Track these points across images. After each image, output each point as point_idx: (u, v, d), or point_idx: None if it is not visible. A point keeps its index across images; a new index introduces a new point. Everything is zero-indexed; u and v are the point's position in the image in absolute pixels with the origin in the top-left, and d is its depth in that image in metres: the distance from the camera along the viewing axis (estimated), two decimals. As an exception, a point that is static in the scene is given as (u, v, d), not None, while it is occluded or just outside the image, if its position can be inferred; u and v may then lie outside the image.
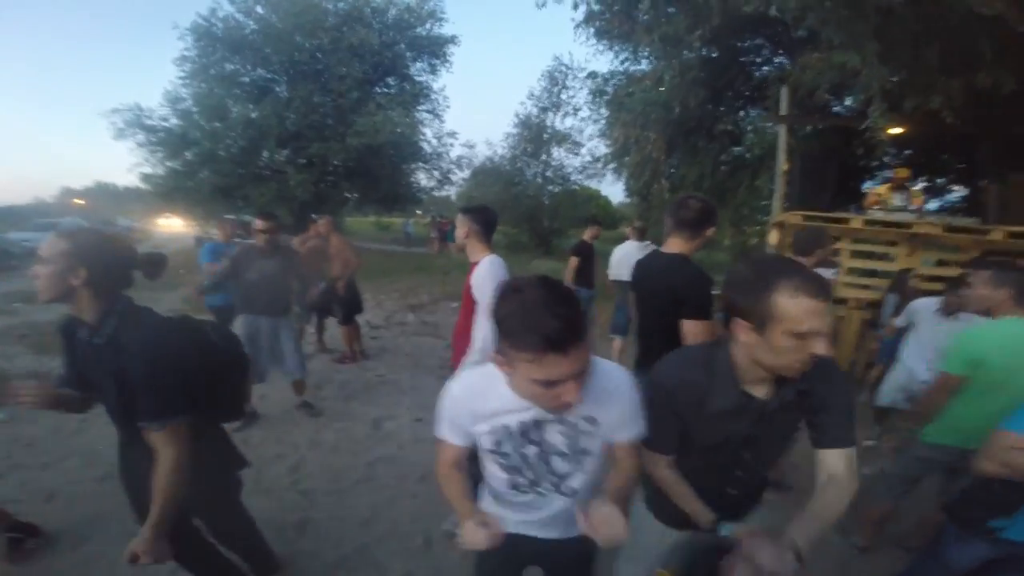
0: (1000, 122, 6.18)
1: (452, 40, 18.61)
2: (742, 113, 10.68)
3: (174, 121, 15.75)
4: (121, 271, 1.42)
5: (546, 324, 0.88)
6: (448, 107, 19.34)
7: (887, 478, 2.49)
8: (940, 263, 5.52)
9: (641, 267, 2.23)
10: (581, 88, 17.90)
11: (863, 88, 5.01)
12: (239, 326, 3.60)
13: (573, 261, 5.43)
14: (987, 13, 3.97)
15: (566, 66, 18.87)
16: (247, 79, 16.31)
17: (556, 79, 19.20)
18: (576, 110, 19.17)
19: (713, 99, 9.23)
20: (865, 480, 2.29)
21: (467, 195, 24.20)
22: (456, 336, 2.49)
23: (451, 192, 23.89)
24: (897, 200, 6.02)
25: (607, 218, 24.73)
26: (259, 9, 16.01)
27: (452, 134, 19.23)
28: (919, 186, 7.81)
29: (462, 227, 2.43)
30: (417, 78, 18.74)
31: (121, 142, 15.54)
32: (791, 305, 0.99)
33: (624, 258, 5.40)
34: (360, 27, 15.93)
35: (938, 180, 10.90)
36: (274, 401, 4.20)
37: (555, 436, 1.16)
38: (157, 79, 20.29)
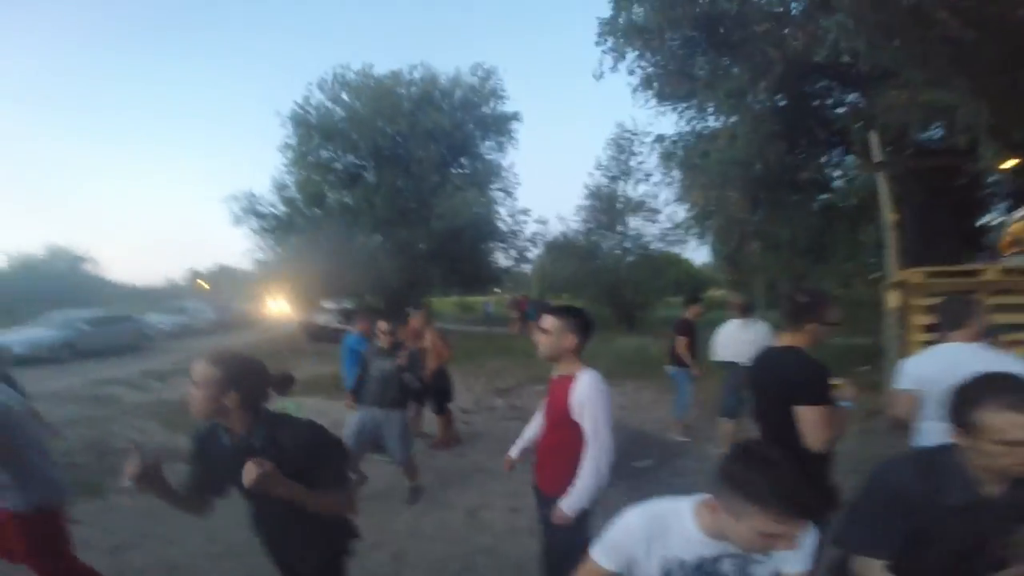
0: None
1: (515, 116, 18.73)
2: (824, 159, 10.04)
3: (281, 208, 16.96)
4: (262, 389, 1.61)
5: (807, 502, 1.02)
6: (519, 184, 19.42)
7: None
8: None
9: (756, 362, 2.21)
10: (651, 153, 17.51)
11: (964, 128, 4.57)
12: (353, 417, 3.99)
13: (682, 341, 5.21)
14: None
15: (631, 132, 18.39)
16: (340, 165, 17.19)
17: (622, 146, 18.84)
18: (647, 176, 18.57)
19: (791, 149, 8.79)
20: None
21: (542, 271, 24.17)
22: (543, 454, 2.27)
23: (527, 268, 23.78)
24: None
25: (691, 282, 23.63)
26: (344, 96, 16.89)
27: (525, 211, 19.23)
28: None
29: (558, 335, 2.08)
30: (487, 156, 18.93)
31: (238, 227, 16.94)
32: (997, 420, 1.08)
33: (728, 337, 5.01)
34: (432, 110, 16.37)
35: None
36: (374, 488, 4.21)
37: (727, 566, 1.19)
38: (268, 167, 22.25)
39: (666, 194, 17.31)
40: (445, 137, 16.89)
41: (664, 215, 18.84)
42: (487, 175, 18.41)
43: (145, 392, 8.62)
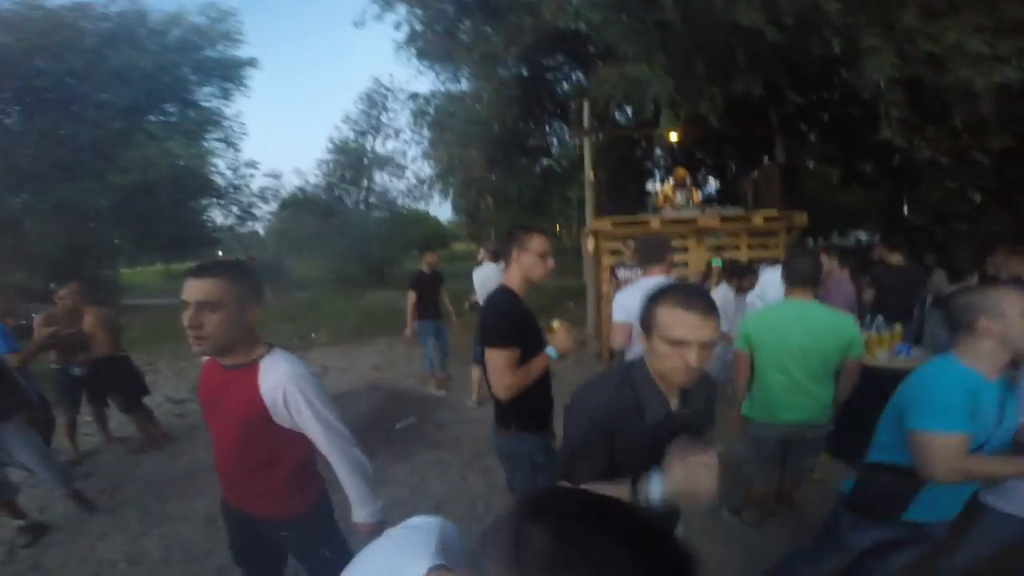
0: (747, 123, 7.64)
1: (250, 63, 16.59)
2: (547, 127, 11.50)
3: None
4: None
5: None
6: (245, 135, 17.13)
7: (747, 463, 2.63)
8: (718, 249, 6.60)
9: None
10: (403, 110, 17.61)
11: (652, 98, 5.72)
12: None
13: (411, 296, 5.20)
14: (744, 23, 4.79)
15: (386, 88, 18.28)
16: None
17: (375, 101, 18.57)
18: (397, 132, 18.69)
19: (525, 115, 9.81)
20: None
21: (276, 231, 22.01)
22: (241, 472, 1.54)
23: (258, 228, 21.37)
24: (680, 197, 7.09)
25: (438, 237, 24.52)
26: None
27: (252, 164, 17.17)
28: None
29: (238, 307, 1.39)
30: (204, 104, 16.37)
31: None
32: (666, 317, 1.14)
33: (485, 281, 5.14)
34: (128, 48, 13.51)
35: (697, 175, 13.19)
36: (60, 511, 3.29)
37: None
38: None
39: (414, 151, 18.07)
40: (144, 80, 13.88)
41: (411, 172, 19.17)
42: (202, 123, 15.75)
43: None
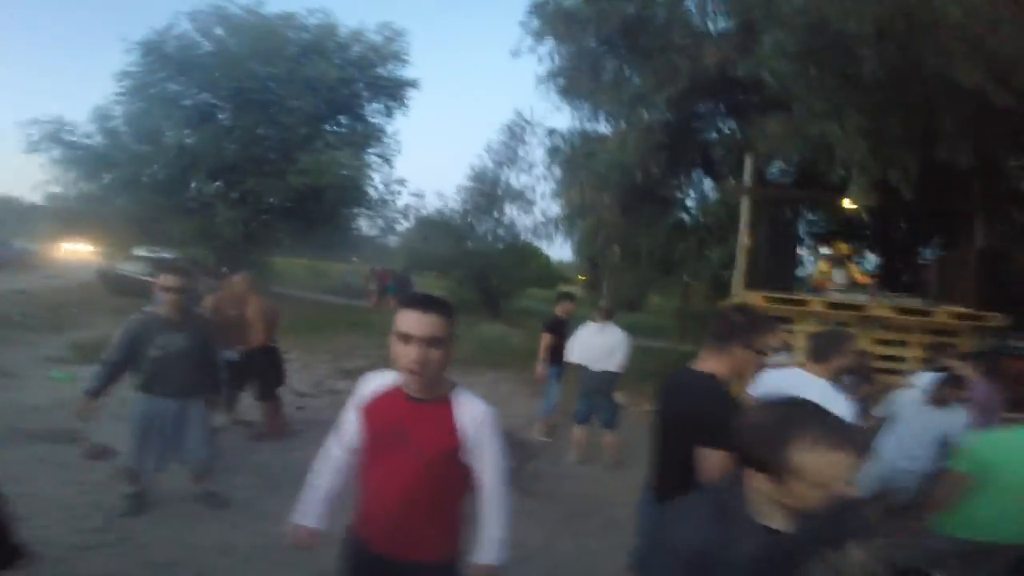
0: (943, 195, 6.52)
1: (413, 84, 17.92)
2: (684, 178, 10.67)
3: (98, 139, 14.41)
4: None
5: None
6: (399, 152, 18.48)
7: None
8: (881, 343, 5.57)
9: (668, 381, 1.99)
10: (539, 145, 17.83)
11: (840, 161, 5.06)
12: (134, 408, 3.07)
13: (546, 338, 5.08)
14: (966, 85, 4.07)
15: (526, 121, 18.11)
16: (189, 103, 15.16)
17: (515, 133, 18.66)
18: (531, 167, 18.62)
19: (670, 164, 9.21)
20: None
21: (409, 248, 23.47)
22: (403, 510, 1.43)
23: (392, 241, 22.96)
24: (837, 276, 6.17)
25: (547, 278, 24.52)
26: (219, 31, 15.09)
27: (401, 181, 18.36)
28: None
29: (446, 342, 1.36)
30: (371, 119, 17.96)
31: (33, 156, 13.99)
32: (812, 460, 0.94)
33: (584, 340, 4.89)
34: (320, 60, 15.23)
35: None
36: (174, 491, 3.35)
37: None
38: (88, 94, 18.85)
39: (543, 188, 17.65)
40: (328, 91, 15.58)
41: (539, 209, 19.19)
42: (367, 138, 17.22)
43: None
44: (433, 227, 20.06)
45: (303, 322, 10.03)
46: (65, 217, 15.59)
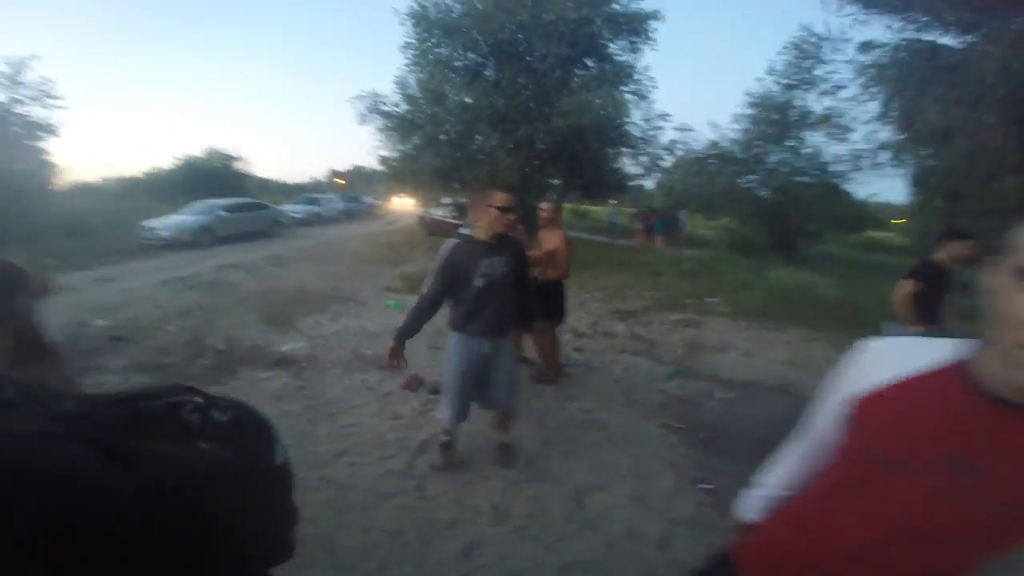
0: None
1: (654, 16, 16.60)
2: None
3: (403, 107, 16.92)
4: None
5: None
6: (655, 88, 17.21)
7: None
8: None
9: None
10: (842, 62, 14.33)
11: None
12: (454, 349, 2.70)
13: (909, 287, 3.42)
14: None
15: (820, 37, 14.95)
16: (460, 63, 16.64)
17: (806, 52, 15.65)
18: (837, 88, 15.15)
19: None
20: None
21: (680, 183, 21.87)
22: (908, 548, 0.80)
23: (648, 182, 21.60)
24: None
25: (852, 220, 19.31)
26: None
27: (663, 116, 17.21)
28: None
29: None
30: (618, 58, 17.11)
31: (364, 127, 17.31)
32: None
33: None
34: (559, 2, 15.06)
35: None
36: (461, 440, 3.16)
37: None
38: (392, 66, 22.75)
39: (857, 111, 14.31)
40: (570, 33, 15.40)
41: (859, 135, 15.34)
42: (617, 75, 16.47)
43: (263, 278, 8.68)
44: (703, 162, 18.14)
45: (574, 260, 10.03)
46: (392, 175, 18.77)
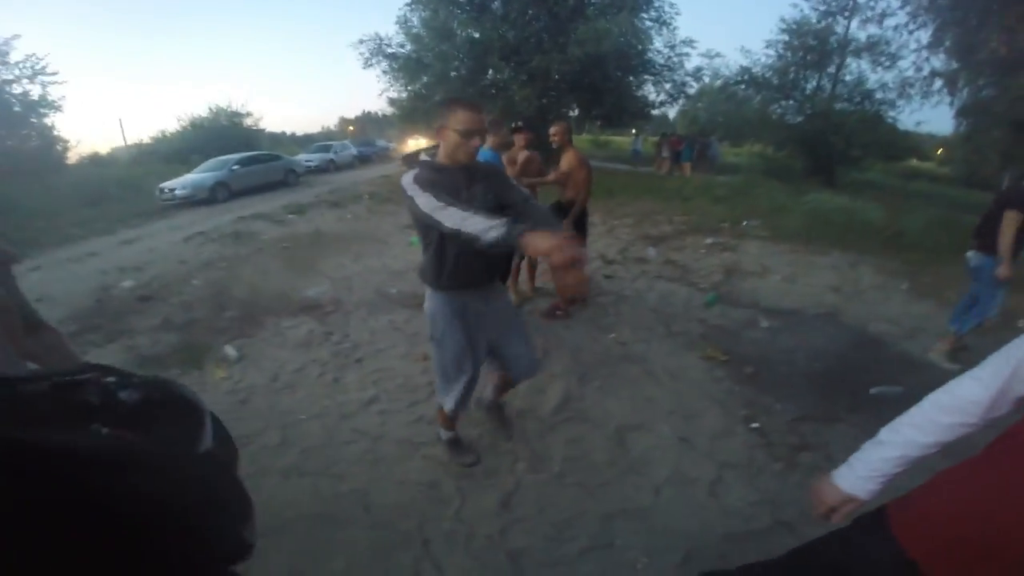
0: None
1: None
2: None
3: (409, 47, 16.34)
4: None
5: None
6: (678, 14, 16.58)
7: None
8: None
9: None
10: None
11: None
12: (436, 310, 2.05)
13: (1015, 218, 3.05)
14: None
15: None
16: None
17: None
18: (883, 17, 14.49)
19: None
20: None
21: (707, 110, 21.11)
22: None
23: (672, 110, 21.38)
24: None
25: (894, 148, 18.26)
26: None
27: (689, 42, 16.63)
28: None
29: None
30: None
31: (369, 71, 16.88)
32: None
33: None
34: None
35: None
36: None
37: None
38: (393, 7, 21.84)
39: (905, 38, 14.24)
40: None
41: (907, 64, 15.92)
42: (635, 2, 15.89)
43: (282, 226, 8.60)
44: (732, 88, 17.88)
45: (597, 187, 9.71)
46: (403, 116, 18.37)
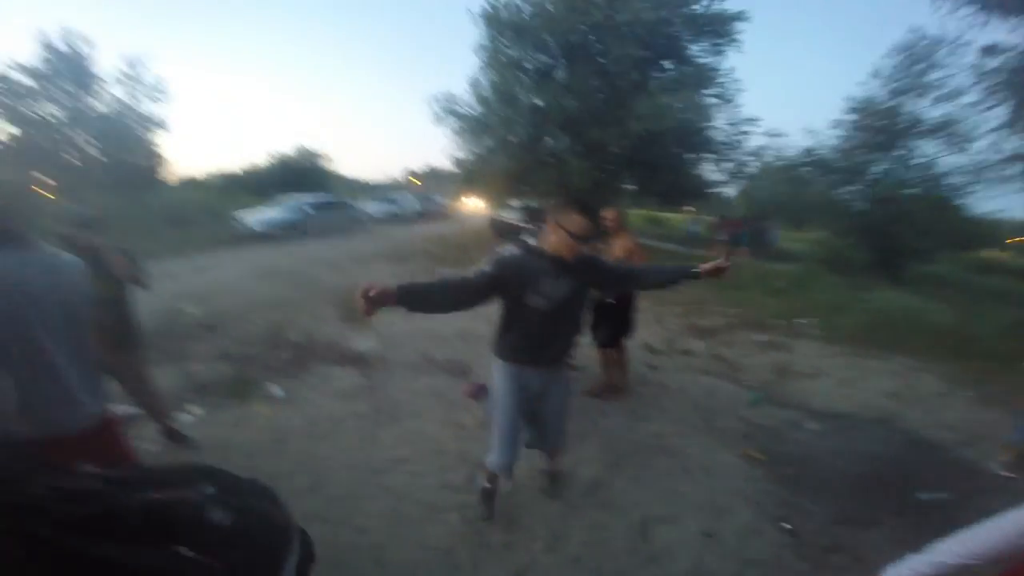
0: None
1: (738, 17, 15.60)
2: None
3: (476, 108, 17.04)
4: None
5: None
6: (741, 91, 16.33)
7: None
8: None
9: None
10: (958, 67, 13.49)
11: None
12: (502, 381, 2.28)
13: None
14: None
15: (932, 39, 14.01)
16: (529, 64, 16.43)
17: (917, 55, 14.66)
18: (956, 95, 13.87)
19: None
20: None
21: (763, 193, 20.67)
22: None
23: (731, 190, 20.41)
24: None
25: (964, 238, 17.23)
26: None
27: (752, 120, 16.17)
28: None
29: None
30: (698, 59, 16.22)
31: (439, 127, 17.80)
32: None
33: None
34: (635, 2, 14.36)
35: None
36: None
37: None
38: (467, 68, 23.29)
39: (978, 119, 13.33)
40: (647, 34, 14.78)
41: (983, 146, 13.90)
42: (699, 78, 15.69)
43: (342, 274, 8.99)
44: (795, 169, 17.22)
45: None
46: (463, 177, 19.06)
